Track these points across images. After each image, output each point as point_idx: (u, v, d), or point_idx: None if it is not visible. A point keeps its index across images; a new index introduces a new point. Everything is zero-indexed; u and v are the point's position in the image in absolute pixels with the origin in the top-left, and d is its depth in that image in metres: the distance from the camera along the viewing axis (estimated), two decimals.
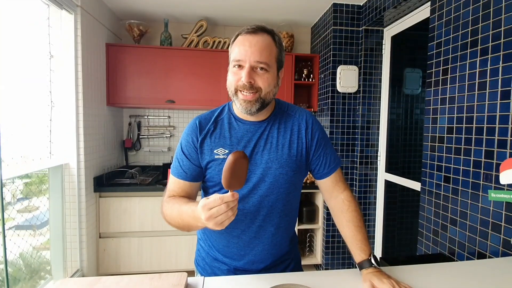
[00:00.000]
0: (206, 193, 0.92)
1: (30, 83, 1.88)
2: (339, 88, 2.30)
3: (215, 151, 0.86)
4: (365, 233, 0.87)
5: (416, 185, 1.83)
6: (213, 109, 0.95)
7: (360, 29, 2.31)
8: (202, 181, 0.91)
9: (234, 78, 0.81)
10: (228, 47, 1.20)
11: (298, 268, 1.02)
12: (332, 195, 0.93)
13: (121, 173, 2.44)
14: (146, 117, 2.80)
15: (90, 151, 2.14)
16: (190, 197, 0.89)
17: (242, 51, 0.79)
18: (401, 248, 2.26)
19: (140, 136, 2.78)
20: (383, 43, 2.27)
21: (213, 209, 0.63)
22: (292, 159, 0.87)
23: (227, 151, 0.85)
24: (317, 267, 2.62)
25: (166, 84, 2.46)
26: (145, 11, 2.51)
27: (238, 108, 0.84)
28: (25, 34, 1.82)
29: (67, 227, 2.02)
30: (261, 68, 0.80)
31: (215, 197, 0.63)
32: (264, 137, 0.87)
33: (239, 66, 0.81)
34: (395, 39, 2.22)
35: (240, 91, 0.81)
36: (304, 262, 2.55)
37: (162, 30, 2.61)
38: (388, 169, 2.25)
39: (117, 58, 2.41)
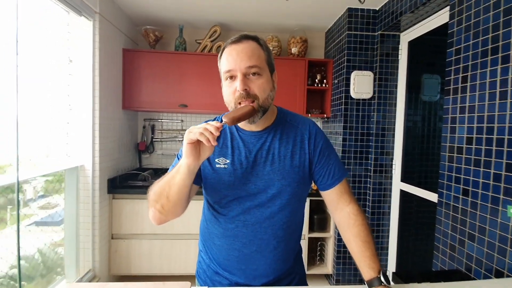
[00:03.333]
0: (208, 202, 0.92)
1: (49, 86, 1.95)
2: (353, 94, 2.25)
3: (216, 160, 0.86)
4: (374, 248, 0.83)
5: (433, 196, 1.76)
6: (217, 117, 0.95)
7: (376, 34, 2.26)
8: (202, 187, 0.91)
9: (230, 90, 0.81)
10: None
11: (303, 283, 0.99)
12: (338, 207, 0.90)
13: (134, 175, 2.48)
14: (159, 120, 2.85)
15: (105, 154, 2.20)
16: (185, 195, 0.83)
17: (231, 60, 0.79)
18: (416, 262, 2.17)
19: (154, 139, 2.83)
20: (400, 48, 2.21)
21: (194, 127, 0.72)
22: (294, 170, 0.85)
23: (228, 161, 0.85)
24: (327, 277, 2.56)
25: (180, 88, 2.49)
26: (161, 17, 2.56)
27: None
28: (46, 39, 1.90)
29: (81, 227, 2.07)
30: (254, 74, 0.79)
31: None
32: (266, 148, 0.85)
33: (231, 77, 0.80)
34: (412, 44, 2.15)
35: (239, 103, 0.80)
36: (314, 271, 2.49)
37: (177, 35, 2.65)
38: (404, 179, 2.17)
39: (133, 63, 2.47)
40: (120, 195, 2.30)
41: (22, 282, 1.50)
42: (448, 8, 1.56)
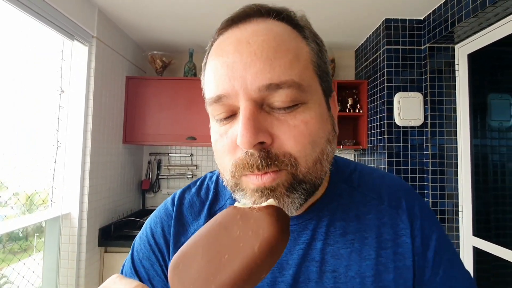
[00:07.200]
0: None
1: (37, 121, 1.68)
2: (397, 120, 1.80)
3: None
4: None
5: None
6: (200, 183, 0.49)
7: (423, 47, 1.84)
8: None
9: (225, 147, 0.36)
10: None
11: None
12: None
13: (132, 222, 2.10)
14: (167, 155, 2.51)
15: (98, 197, 1.85)
16: None
17: (224, 70, 0.35)
18: None
19: (160, 176, 2.48)
20: (456, 63, 1.77)
21: None
22: None
23: None
24: None
25: (187, 119, 2.16)
26: (169, 41, 2.31)
27: None
28: (35, 67, 1.66)
29: None
30: (283, 105, 0.33)
31: None
32: (316, 257, 0.39)
33: (225, 114, 0.36)
34: (473, 57, 1.71)
35: (246, 175, 0.34)
36: None
37: (186, 60, 2.38)
38: (477, 231, 1.62)
39: (137, 92, 2.19)
40: (114, 248, 1.91)
41: None
42: None
